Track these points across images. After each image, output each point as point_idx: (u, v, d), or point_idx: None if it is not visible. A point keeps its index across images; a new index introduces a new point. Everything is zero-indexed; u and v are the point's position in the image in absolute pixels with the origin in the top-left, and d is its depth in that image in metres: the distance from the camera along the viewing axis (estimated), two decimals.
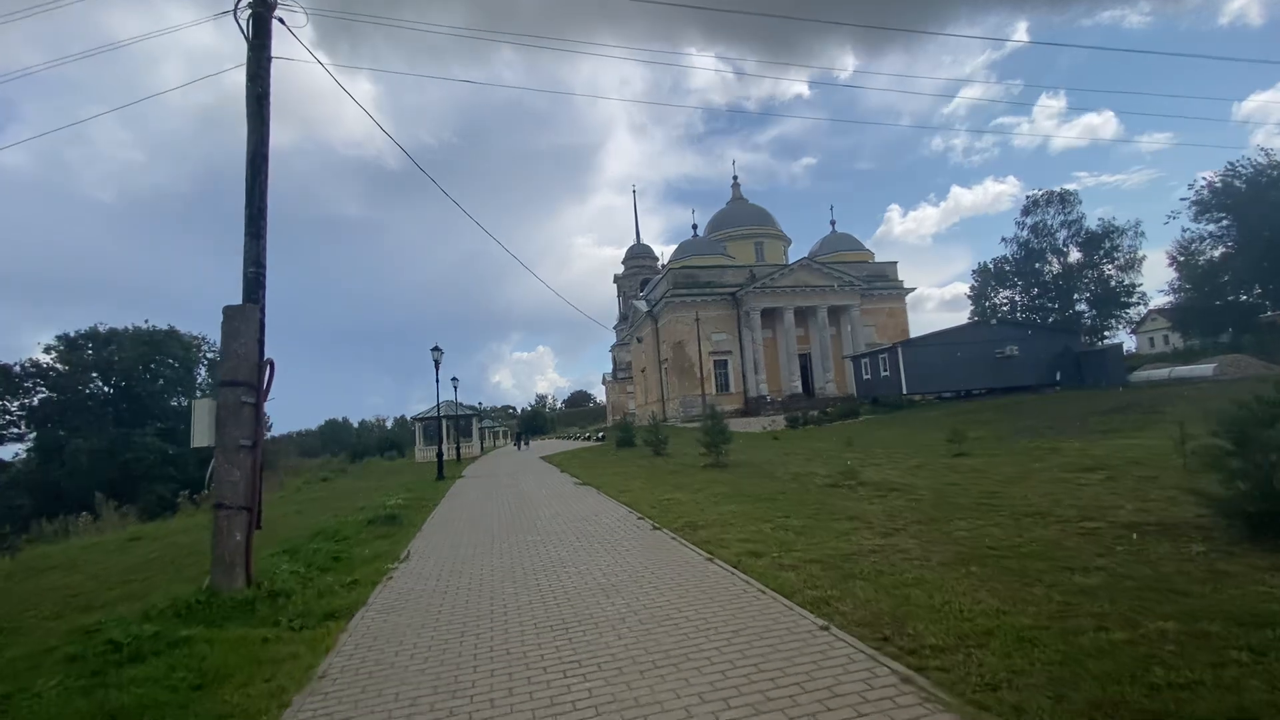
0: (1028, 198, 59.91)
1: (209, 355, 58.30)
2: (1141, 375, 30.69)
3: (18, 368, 47.99)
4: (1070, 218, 57.31)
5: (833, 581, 4.86)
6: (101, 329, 52.57)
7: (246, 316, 6.26)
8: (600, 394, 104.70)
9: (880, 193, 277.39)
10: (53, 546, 12.28)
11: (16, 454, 47.79)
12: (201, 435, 5.99)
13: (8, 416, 47.61)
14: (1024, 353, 34.24)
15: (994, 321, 45.42)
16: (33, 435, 47.21)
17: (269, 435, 71.43)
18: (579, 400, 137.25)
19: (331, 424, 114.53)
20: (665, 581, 5.35)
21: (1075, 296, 58.97)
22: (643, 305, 57.92)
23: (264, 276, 6.70)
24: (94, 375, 52.28)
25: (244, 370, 6.10)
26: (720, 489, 11.34)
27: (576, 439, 49.85)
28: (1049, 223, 58.71)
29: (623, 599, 4.96)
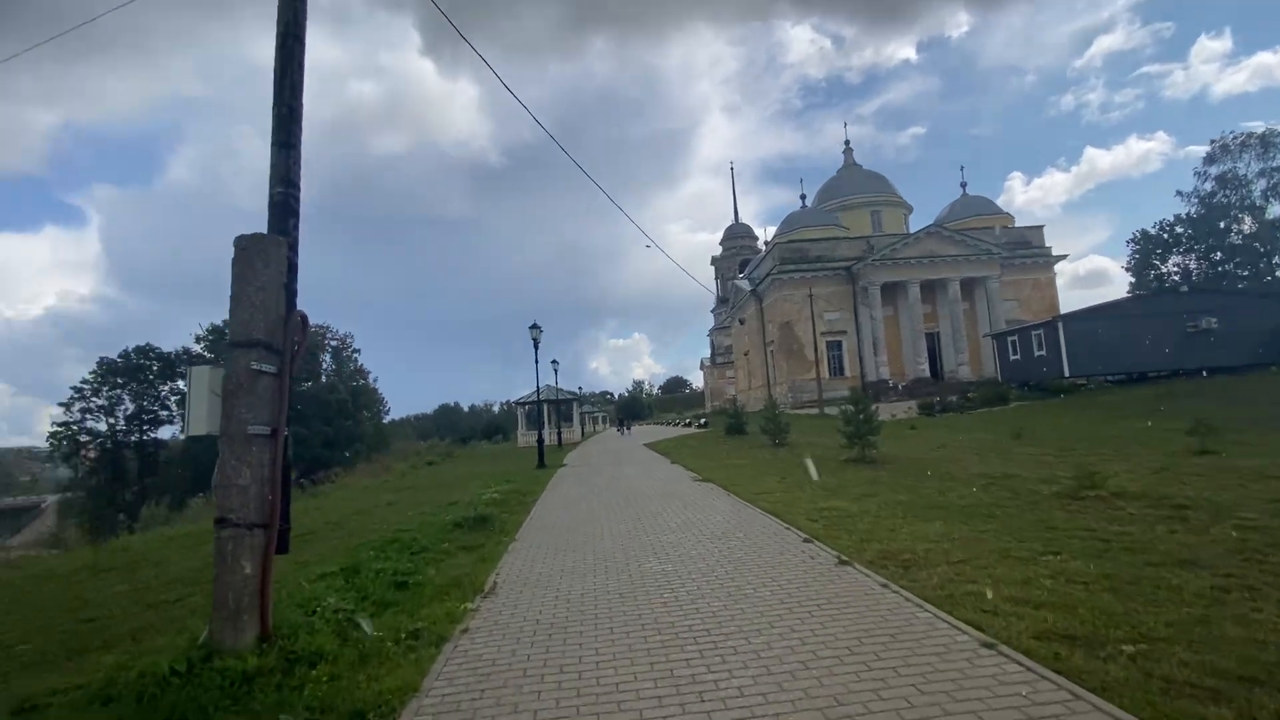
0: (1213, 143, 49.89)
1: (331, 343, 61.97)
2: None
3: (173, 356, 53.24)
4: (1273, 164, 46.94)
5: None
6: None
7: (268, 251, 4.39)
8: (697, 380, 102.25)
9: (1000, 160, 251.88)
10: (140, 537, 11.80)
11: (173, 435, 53.08)
12: (200, 419, 4.17)
13: (166, 400, 52.85)
14: (1225, 325, 27.86)
15: (1184, 289, 37.88)
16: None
17: (386, 418, 74.94)
18: (675, 386, 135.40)
19: (444, 408, 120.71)
20: (936, 701, 2.85)
21: (1276, 260, 48.53)
22: (745, 284, 54.48)
23: (297, 201, 4.83)
24: None
25: (260, 325, 4.23)
26: (892, 495, 8.59)
27: (677, 424, 47.70)
28: (1242, 172, 48.51)
29: None
